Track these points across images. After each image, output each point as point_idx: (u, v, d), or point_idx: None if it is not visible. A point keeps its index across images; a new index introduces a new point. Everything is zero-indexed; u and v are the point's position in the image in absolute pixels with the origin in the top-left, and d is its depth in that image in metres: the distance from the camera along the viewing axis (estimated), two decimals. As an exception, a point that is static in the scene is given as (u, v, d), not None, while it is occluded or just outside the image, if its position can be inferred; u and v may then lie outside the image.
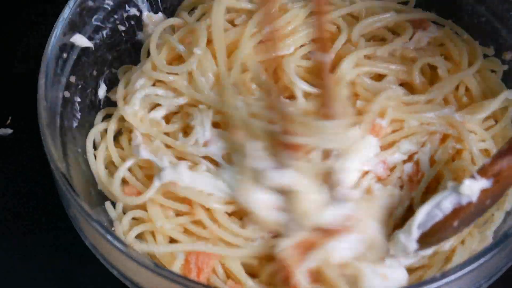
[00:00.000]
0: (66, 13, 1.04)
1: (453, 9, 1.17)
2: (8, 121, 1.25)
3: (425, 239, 0.90)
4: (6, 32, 1.34)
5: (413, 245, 0.90)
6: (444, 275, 0.83)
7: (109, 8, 1.12)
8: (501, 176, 0.85)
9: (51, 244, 1.12)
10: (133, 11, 1.16)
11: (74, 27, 1.06)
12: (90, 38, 1.09)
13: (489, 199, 0.86)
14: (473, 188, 0.85)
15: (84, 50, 1.09)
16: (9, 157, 1.21)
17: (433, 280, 0.83)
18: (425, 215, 0.89)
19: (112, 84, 1.14)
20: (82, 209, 0.90)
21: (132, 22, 1.16)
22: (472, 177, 0.86)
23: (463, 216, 0.87)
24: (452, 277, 0.83)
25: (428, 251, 0.93)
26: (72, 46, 1.06)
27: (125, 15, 1.15)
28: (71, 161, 1.01)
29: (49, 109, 0.98)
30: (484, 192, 0.85)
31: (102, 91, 1.13)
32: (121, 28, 1.15)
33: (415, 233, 0.89)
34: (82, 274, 1.09)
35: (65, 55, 1.05)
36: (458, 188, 0.86)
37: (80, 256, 1.08)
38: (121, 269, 0.92)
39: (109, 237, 0.88)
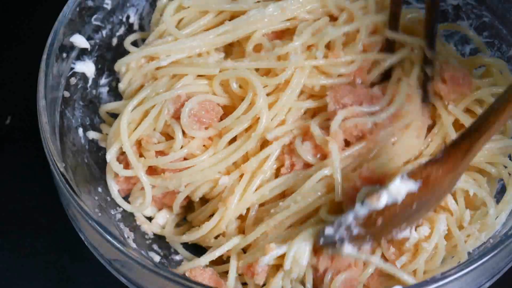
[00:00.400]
0: (66, 13, 1.05)
1: (453, 8, 1.17)
2: (8, 121, 1.25)
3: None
4: (6, 31, 1.35)
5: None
6: (444, 275, 0.83)
7: (109, 8, 1.12)
8: (429, 181, 0.87)
9: (51, 244, 1.12)
10: (133, 10, 1.16)
11: (73, 27, 1.06)
12: (90, 38, 1.09)
13: (415, 203, 0.88)
14: (400, 189, 0.87)
15: (84, 49, 1.09)
16: (9, 156, 1.21)
17: (433, 280, 0.83)
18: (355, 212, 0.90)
19: (112, 84, 1.14)
20: (82, 209, 0.90)
21: (132, 22, 1.16)
22: (401, 177, 0.88)
23: (387, 215, 0.88)
24: (453, 277, 0.83)
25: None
26: (72, 46, 1.07)
27: (124, 14, 1.15)
28: (71, 161, 1.01)
29: (49, 109, 0.98)
30: (410, 195, 0.87)
31: (102, 91, 1.13)
32: (121, 27, 1.15)
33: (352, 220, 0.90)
34: (82, 274, 1.09)
35: (65, 55, 1.05)
36: (388, 187, 0.87)
37: (80, 256, 1.08)
38: (121, 269, 0.92)
39: (109, 237, 0.88)
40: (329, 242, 0.91)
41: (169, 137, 1.04)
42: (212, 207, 1.03)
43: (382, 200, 0.87)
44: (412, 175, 0.87)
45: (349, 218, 0.89)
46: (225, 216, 0.99)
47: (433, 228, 0.96)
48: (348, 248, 0.90)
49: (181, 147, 1.02)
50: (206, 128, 1.03)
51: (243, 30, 1.06)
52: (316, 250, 0.94)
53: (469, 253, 0.97)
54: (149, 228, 1.06)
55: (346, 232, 0.89)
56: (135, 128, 1.03)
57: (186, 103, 1.02)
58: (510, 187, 1.00)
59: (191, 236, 1.02)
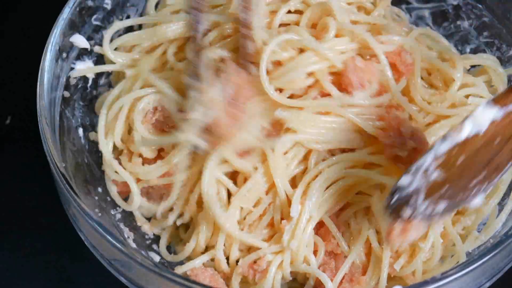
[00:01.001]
0: (66, 13, 1.05)
1: (453, 8, 1.17)
2: (8, 121, 1.25)
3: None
4: (6, 32, 1.35)
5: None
6: (444, 275, 0.83)
7: (109, 8, 1.12)
8: None
9: (51, 244, 1.12)
10: (133, 10, 1.16)
11: (73, 27, 1.06)
12: (90, 38, 1.09)
13: (498, 137, 0.81)
14: (484, 115, 0.80)
15: (84, 49, 1.09)
16: (9, 156, 1.21)
17: (433, 280, 0.83)
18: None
19: (112, 84, 1.14)
20: (82, 209, 0.90)
21: (132, 22, 1.16)
22: (486, 103, 0.81)
23: (469, 149, 0.81)
24: (453, 277, 0.83)
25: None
26: (72, 46, 1.07)
27: (124, 14, 1.15)
28: (71, 161, 1.01)
29: (49, 109, 0.98)
30: (493, 125, 0.80)
31: (102, 91, 1.13)
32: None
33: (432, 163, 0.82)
34: (82, 274, 1.09)
35: (64, 55, 1.05)
36: (471, 113, 0.81)
37: (80, 256, 1.08)
38: (121, 269, 0.92)
39: (109, 237, 0.88)
40: (402, 199, 0.82)
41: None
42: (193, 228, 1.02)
43: (465, 129, 0.80)
44: (496, 100, 0.81)
45: (428, 158, 0.81)
46: (200, 234, 0.99)
47: (429, 227, 0.95)
48: (423, 205, 0.81)
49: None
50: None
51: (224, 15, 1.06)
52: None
53: (469, 253, 0.98)
54: (149, 229, 1.06)
55: (423, 178, 0.81)
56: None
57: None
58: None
59: (180, 257, 1.01)
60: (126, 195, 1.06)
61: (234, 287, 0.97)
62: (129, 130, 1.04)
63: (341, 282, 0.95)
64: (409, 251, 0.96)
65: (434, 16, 1.19)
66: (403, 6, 1.20)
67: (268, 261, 0.96)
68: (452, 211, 0.89)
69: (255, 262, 0.96)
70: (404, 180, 0.82)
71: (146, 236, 1.06)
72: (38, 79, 0.99)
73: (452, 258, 0.98)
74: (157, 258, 1.03)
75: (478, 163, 0.81)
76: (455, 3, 1.17)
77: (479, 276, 0.88)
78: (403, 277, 0.97)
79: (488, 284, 0.91)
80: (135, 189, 1.02)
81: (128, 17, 1.15)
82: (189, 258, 1.01)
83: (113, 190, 1.04)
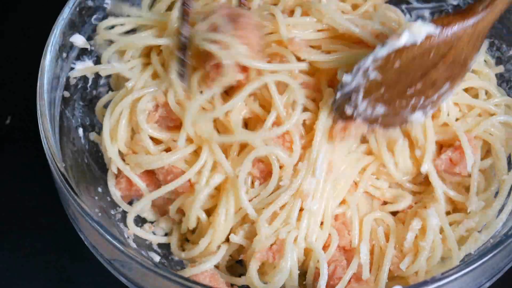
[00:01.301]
0: (66, 13, 1.05)
1: (453, 8, 1.17)
2: (8, 121, 1.25)
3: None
4: (6, 32, 1.35)
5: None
6: (444, 275, 0.83)
7: (109, 8, 1.12)
8: (449, 29, 0.87)
9: (51, 244, 1.12)
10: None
11: (73, 27, 1.06)
12: (89, 38, 1.09)
13: (433, 52, 0.88)
14: (420, 29, 0.87)
15: (84, 49, 1.09)
16: (9, 156, 1.21)
17: (433, 280, 0.83)
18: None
19: (111, 84, 1.14)
20: (82, 209, 0.90)
21: (132, 22, 1.16)
22: (423, 20, 0.89)
23: (405, 56, 0.88)
24: (453, 277, 0.83)
25: None
26: (72, 46, 1.07)
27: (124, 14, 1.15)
28: (71, 161, 1.01)
29: (49, 109, 0.98)
30: (429, 39, 0.87)
31: (102, 91, 1.13)
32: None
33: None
34: (82, 274, 1.09)
35: (64, 55, 1.05)
36: (410, 25, 0.88)
37: (80, 256, 1.08)
38: (120, 269, 0.92)
39: (109, 237, 0.88)
40: (346, 94, 0.92)
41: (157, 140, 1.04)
42: (203, 227, 1.02)
43: (403, 38, 0.87)
44: (433, 20, 0.88)
45: (368, 60, 0.90)
46: (215, 235, 0.98)
47: (426, 225, 0.96)
48: (363, 104, 0.92)
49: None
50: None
51: None
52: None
53: (469, 253, 0.97)
54: (149, 229, 1.06)
55: (363, 77, 0.90)
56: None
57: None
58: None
59: (189, 254, 1.01)
60: (129, 199, 1.06)
61: (252, 274, 0.95)
62: (132, 133, 1.04)
63: (349, 282, 0.95)
64: (413, 250, 0.96)
65: (434, 16, 1.19)
66: (403, 6, 1.20)
67: (282, 239, 0.94)
68: (393, 120, 0.96)
69: (271, 246, 0.95)
70: (347, 77, 0.92)
71: (146, 236, 1.06)
72: (38, 79, 0.99)
73: (452, 259, 0.97)
74: (157, 258, 1.03)
75: (413, 71, 0.90)
76: (455, 3, 1.17)
77: (479, 276, 0.88)
78: (405, 276, 0.97)
79: (488, 284, 0.91)
80: (143, 186, 1.02)
81: (127, 17, 1.15)
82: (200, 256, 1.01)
83: (117, 195, 1.04)
